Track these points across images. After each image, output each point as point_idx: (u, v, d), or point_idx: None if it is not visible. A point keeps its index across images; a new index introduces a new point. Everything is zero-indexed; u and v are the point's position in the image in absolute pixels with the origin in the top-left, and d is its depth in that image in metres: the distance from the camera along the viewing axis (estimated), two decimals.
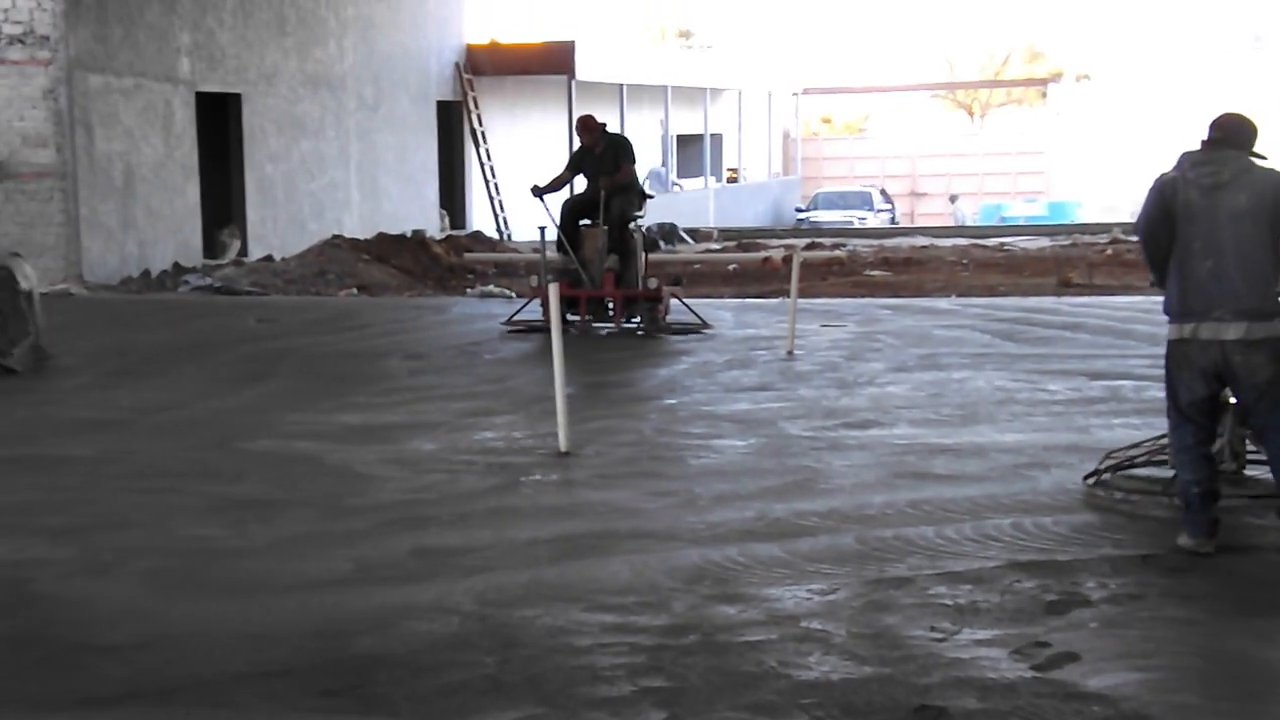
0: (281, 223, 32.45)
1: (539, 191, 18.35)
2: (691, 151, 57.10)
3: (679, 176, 55.46)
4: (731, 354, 16.14)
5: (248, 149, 31.59)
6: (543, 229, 18.53)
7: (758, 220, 55.56)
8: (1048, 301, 21.62)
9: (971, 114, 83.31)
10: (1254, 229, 7.92)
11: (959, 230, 43.63)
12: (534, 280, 18.29)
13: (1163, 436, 9.04)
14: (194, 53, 29.46)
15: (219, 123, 30.84)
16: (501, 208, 40.89)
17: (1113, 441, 10.92)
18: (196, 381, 14.93)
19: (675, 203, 48.46)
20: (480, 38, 43.78)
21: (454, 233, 37.05)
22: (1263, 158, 8.19)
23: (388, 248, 29.89)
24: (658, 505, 9.38)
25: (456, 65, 41.20)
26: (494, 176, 41.00)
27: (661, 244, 37.60)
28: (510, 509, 9.50)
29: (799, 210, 57.35)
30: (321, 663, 6.56)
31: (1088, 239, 34.61)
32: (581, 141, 18.57)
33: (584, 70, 43.62)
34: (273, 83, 32.30)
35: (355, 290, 26.02)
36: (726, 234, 40.54)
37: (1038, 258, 30.03)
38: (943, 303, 21.82)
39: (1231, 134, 8.17)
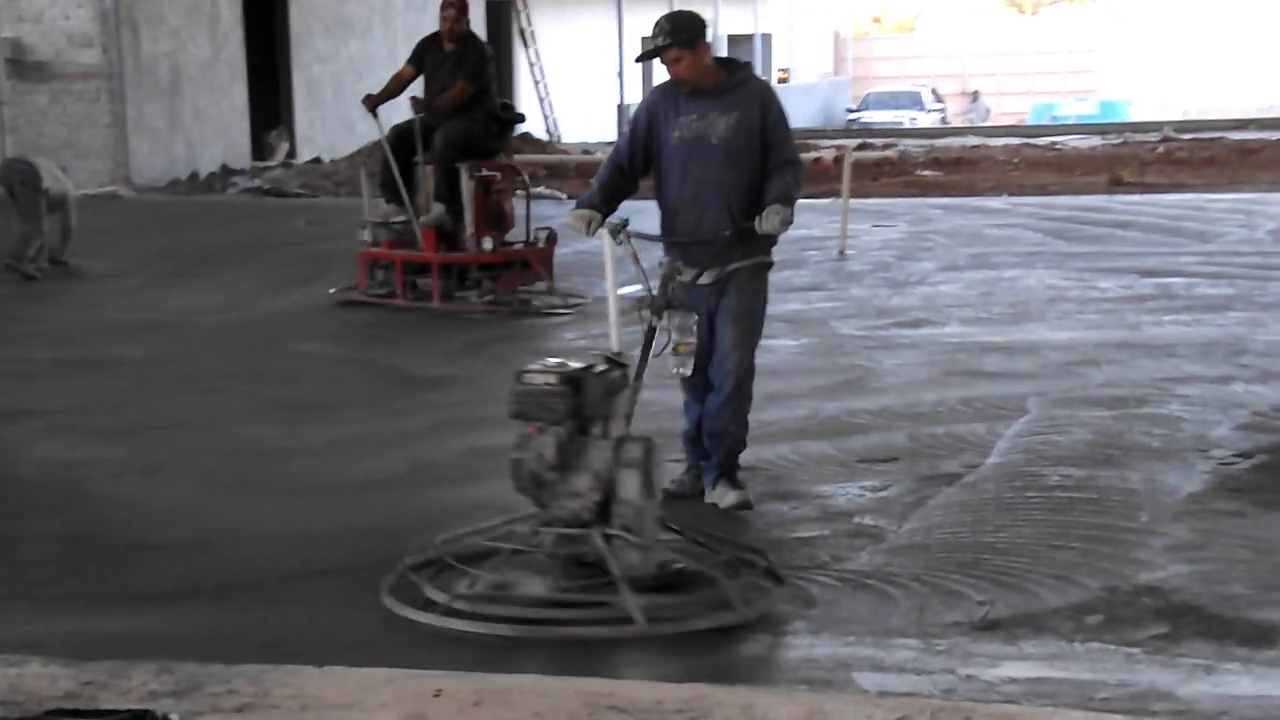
0: (330, 124, 32.36)
1: (373, 104, 13.67)
2: (741, 51, 56.68)
3: None
4: (783, 254, 15.97)
5: (295, 50, 31.47)
6: (368, 160, 14.54)
7: (808, 121, 55.13)
8: (1099, 200, 21.50)
9: (1022, 11, 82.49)
10: None
11: (1010, 129, 43.24)
12: (366, 234, 13.86)
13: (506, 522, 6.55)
14: None
15: (266, 23, 30.73)
16: (550, 109, 40.63)
17: (1163, 339, 10.90)
18: (247, 284, 14.97)
19: None
20: None
21: None
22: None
23: None
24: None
25: None
26: (543, 77, 40.67)
27: None
28: None
29: (850, 110, 56.91)
30: (378, 561, 6.57)
31: (1139, 137, 34.30)
32: (439, 26, 13.65)
33: None
34: None
35: None
36: None
37: (1089, 156, 29.77)
38: (994, 202, 21.74)
39: None
